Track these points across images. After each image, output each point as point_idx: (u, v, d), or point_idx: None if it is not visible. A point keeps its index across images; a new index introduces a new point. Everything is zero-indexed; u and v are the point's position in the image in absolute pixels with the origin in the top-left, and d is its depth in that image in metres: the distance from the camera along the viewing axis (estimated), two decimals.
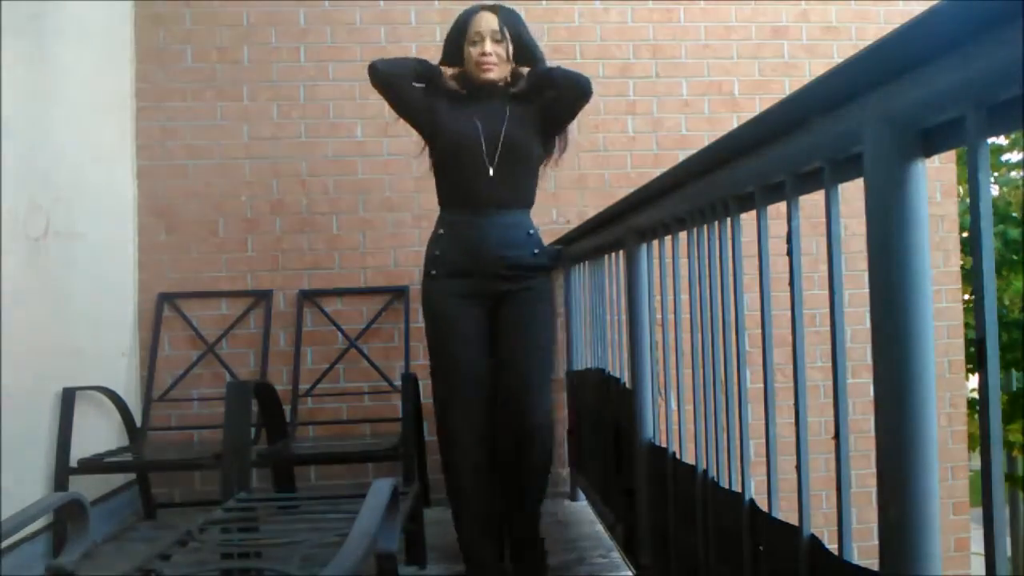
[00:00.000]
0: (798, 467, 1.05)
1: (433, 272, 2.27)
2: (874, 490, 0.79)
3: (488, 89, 2.28)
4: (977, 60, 0.65)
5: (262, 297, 3.34)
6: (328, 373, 3.31)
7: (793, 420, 1.06)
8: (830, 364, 0.96)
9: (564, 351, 3.14)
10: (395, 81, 2.27)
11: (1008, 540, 0.85)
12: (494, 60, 2.23)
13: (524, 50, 2.29)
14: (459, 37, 2.27)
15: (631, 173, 3.45)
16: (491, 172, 2.21)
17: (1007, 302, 10.02)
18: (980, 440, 0.69)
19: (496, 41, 2.22)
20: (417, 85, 2.31)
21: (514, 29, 2.26)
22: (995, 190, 10.53)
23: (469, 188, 2.24)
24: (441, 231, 2.28)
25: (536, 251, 2.28)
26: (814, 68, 3.52)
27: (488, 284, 2.23)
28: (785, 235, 1.04)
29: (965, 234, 4.94)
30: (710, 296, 1.38)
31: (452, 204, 2.29)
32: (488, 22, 2.23)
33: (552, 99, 2.26)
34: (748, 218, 1.21)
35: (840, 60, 0.83)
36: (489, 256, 2.21)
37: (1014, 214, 9.93)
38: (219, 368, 3.27)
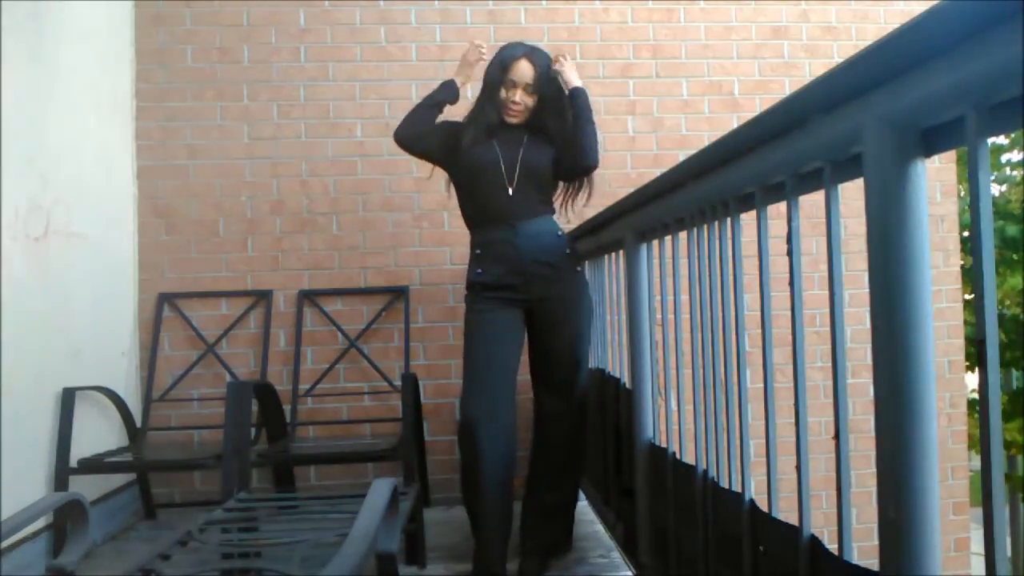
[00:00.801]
0: (798, 467, 1.05)
1: (477, 289, 2.39)
2: (874, 490, 0.79)
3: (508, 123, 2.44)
4: (977, 60, 0.65)
5: (262, 297, 3.34)
6: (328, 373, 3.31)
7: (793, 420, 1.06)
8: (830, 364, 0.96)
9: None
10: (416, 143, 2.47)
11: (1008, 540, 0.85)
12: (521, 109, 2.39)
13: (549, 100, 2.41)
14: (500, 74, 2.39)
15: (631, 173, 3.45)
16: (510, 192, 2.37)
17: (1006, 301, 10.02)
18: (980, 440, 0.69)
19: (527, 93, 2.38)
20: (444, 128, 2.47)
21: (547, 86, 2.39)
22: (995, 189, 10.52)
23: (493, 206, 2.38)
24: (478, 251, 2.41)
25: (568, 251, 2.43)
26: (814, 68, 3.52)
27: (529, 288, 2.35)
28: (785, 235, 1.04)
29: (965, 233, 4.95)
30: (710, 296, 1.38)
31: (481, 224, 2.43)
32: (524, 73, 2.37)
33: (562, 150, 2.41)
34: (748, 218, 1.21)
35: (840, 60, 0.83)
36: (528, 264, 2.34)
37: (1014, 212, 9.92)
38: (219, 368, 3.27)
